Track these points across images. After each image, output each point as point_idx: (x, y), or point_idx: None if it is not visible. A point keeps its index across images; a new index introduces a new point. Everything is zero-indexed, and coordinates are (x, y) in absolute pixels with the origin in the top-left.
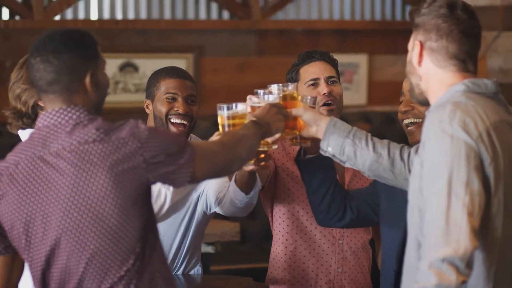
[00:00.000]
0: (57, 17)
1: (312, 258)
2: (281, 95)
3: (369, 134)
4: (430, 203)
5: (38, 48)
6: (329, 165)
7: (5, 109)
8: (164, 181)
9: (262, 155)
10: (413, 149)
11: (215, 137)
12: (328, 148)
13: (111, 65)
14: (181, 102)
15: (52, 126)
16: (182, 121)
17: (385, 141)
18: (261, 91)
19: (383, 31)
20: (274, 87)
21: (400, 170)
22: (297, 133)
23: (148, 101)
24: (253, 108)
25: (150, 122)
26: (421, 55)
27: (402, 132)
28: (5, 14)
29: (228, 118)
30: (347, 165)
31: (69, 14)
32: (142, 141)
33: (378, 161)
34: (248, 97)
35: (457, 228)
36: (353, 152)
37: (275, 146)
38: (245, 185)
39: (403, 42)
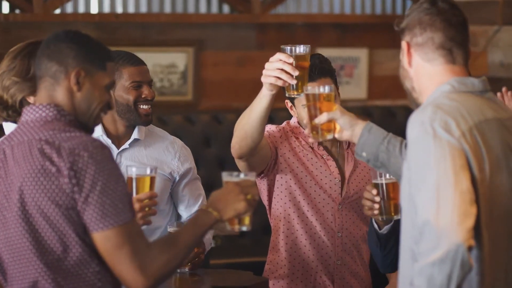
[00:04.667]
0: (57, 11)
1: (313, 249)
2: (317, 93)
3: (404, 141)
4: (420, 208)
5: (48, 37)
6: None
7: None
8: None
9: (196, 259)
10: None
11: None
12: (363, 153)
13: None
14: (147, 89)
15: (25, 122)
16: (148, 106)
17: None
18: (287, 47)
19: (383, 25)
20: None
21: None
22: (333, 135)
23: None
24: (226, 182)
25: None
26: (409, 54)
27: (402, 126)
28: (5, 7)
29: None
30: (381, 171)
31: (69, 7)
32: (82, 167)
33: None
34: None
35: (447, 229)
36: (386, 159)
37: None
38: None
39: None
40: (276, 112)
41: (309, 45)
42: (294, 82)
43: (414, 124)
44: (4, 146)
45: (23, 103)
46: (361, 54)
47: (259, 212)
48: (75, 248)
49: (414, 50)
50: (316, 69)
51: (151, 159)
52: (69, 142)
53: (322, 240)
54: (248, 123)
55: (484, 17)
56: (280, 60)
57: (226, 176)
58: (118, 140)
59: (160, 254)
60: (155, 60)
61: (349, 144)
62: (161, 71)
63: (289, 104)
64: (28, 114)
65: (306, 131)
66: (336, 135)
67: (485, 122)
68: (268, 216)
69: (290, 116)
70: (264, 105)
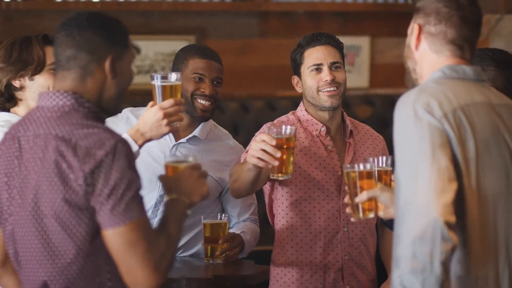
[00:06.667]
0: None
1: (319, 248)
2: (357, 170)
3: None
4: (402, 189)
5: (65, 22)
6: None
7: None
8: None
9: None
10: None
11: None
12: None
13: None
14: (207, 84)
15: (41, 108)
16: (207, 102)
17: None
18: (273, 129)
19: (385, 14)
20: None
21: None
22: (375, 213)
23: None
24: (170, 167)
25: None
26: (418, 38)
27: None
28: None
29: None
30: None
31: None
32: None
33: None
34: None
35: (424, 206)
36: None
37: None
38: None
39: (406, 25)
40: (279, 101)
41: (294, 127)
42: (276, 163)
43: (399, 106)
44: (20, 134)
45: (9, 87)
46: (363, 42)
47: (262, 201)
48: (89, 251)
49: (424, 38)
50: (325, 35)
51: (206, 160)
52: (86, 140)
53: (328, 237)
54: (241, 185)
55: (487, 6)
56: (263, 141)
57: (172, 163)
58: (178, 132)
59: (167, 250)
60: (157, 48)
61: (351, 132)
62: (163, 59)
63: (295, 80)
64: (44, 100)
65: (347, 209)
66: (381, 214)
67: (473, 105)
68: (268, 216)
69: (293, 105)
70: (252, 177)
